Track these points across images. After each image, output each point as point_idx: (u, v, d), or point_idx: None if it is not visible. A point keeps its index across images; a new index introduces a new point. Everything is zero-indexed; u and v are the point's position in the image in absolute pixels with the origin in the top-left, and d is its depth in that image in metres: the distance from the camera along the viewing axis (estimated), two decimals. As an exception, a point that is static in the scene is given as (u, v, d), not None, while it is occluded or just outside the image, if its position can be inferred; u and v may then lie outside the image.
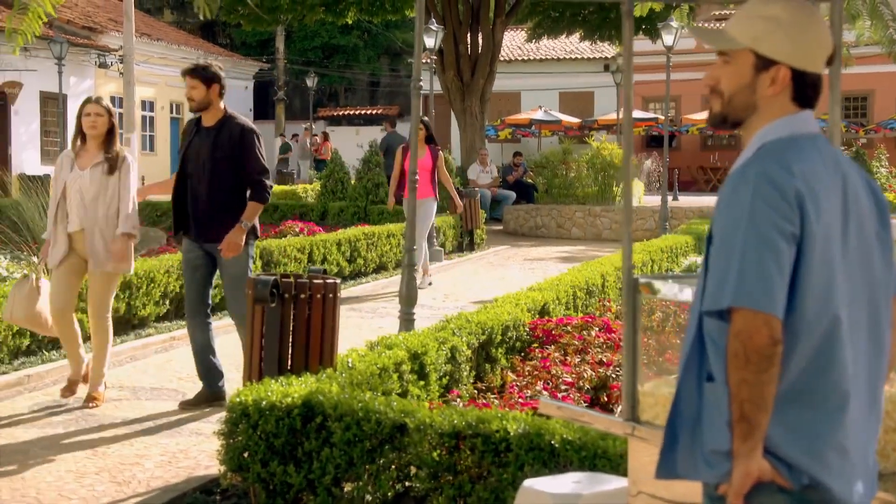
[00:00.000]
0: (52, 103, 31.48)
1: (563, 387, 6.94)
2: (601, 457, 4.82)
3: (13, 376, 8.69)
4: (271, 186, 8.13)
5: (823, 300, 2.62)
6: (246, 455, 5.50)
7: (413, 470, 5.29)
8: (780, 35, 2.78)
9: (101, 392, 8.10)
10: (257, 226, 8.08)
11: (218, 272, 8.10)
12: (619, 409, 7.05)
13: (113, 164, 8.03)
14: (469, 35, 26.71)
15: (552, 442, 4.94)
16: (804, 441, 2.61)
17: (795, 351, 2.61)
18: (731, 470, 2.61)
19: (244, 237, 7.84)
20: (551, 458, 4.94)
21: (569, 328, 8.28)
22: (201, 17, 5.85)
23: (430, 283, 15.01)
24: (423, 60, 42.26)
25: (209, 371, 8.03)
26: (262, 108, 49.54)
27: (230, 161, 7.91)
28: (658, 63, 37.60)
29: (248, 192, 7.98)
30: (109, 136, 8.10)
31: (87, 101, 8.24)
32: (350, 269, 15.26)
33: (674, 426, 2.79)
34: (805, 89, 2.80)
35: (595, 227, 24.10)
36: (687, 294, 3.74)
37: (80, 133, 8.16)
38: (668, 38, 20.21)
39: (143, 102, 37.42)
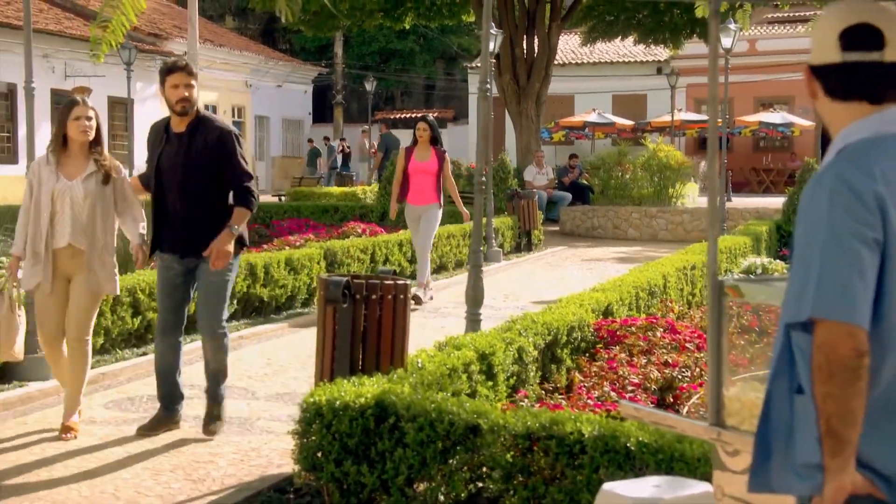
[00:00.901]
0: (119, 108, 31.69)
1: (629, 387, 6.81)
2: (678, 460, 4.70)
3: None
4: (258, 194, 7.28)
5: None
6: (320, 454, 5.43)
7: (486, 471, 5.20)
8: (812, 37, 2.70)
9: (76, 422, 7.17)
10: (245, 234, 7.22)
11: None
12: (686, 409, 6.94)
13: (108, 173, 7.12)
14: (525, 39, 26.57)
15: (627, 444, 4.83)
16: None
17: (886, 361, 2.47)
18: (823, 483, 2.48)
19: (232, 244, 7.00)
20: (627, 460, 4.83)
21: (633, 329, 8.15)
22: (283, 22, 5.64)
23: (430, 298, 13.53)
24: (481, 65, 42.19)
25: (172, 394, 7.29)
26: (321, 112, 49.66)
27: (209, 169, 6.98)
28: (705, 66, 37.29)
29: (233, 199, 7.09)
30: (97, 142, 7.15)
31: (74, 103, 7.13)
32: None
33: (766, 438, 2.66)
34: (830, 82, 2.67)
35: (651, 227, 23.90)
36: (774, 297, 3.61)
37: (62, 138, 7.11)
38: (726, 41, 19.95)
39: (207, 106, 37.11)
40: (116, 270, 7.26)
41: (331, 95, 49.66)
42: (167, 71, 7.01)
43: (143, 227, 7.29)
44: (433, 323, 11.65)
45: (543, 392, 7.07)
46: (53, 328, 7.15)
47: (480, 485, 5.23)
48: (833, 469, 2.44)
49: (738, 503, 3.67)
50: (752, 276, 11.86)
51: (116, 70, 28.91)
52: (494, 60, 24.53)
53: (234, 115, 40.82)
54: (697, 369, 7.31)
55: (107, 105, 31.69)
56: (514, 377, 6.86)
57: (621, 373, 7.08)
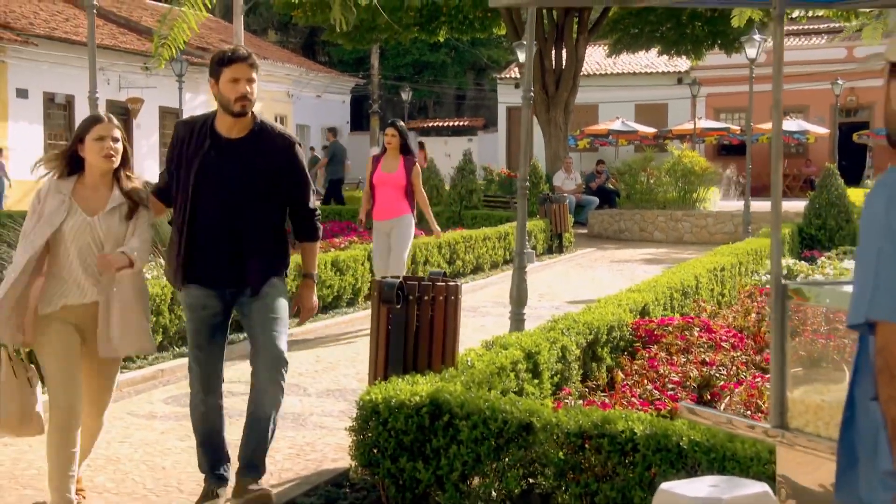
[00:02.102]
0: (169, 117, 31.80)
1: (670, 386, 6.66)
2: (730, 459, 4.55)
3: (148, 370, 8.61)
4: None
5: None
6: (376, 451, 5.33)
7: (538, 468, 5.08)
8: None
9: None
10: (285, 248, 5.54)
11: (238, 318, 5.54)
12: (723, 406, 6.78)
13: (135, 204, 5.22)
14: (554, 51, 26.41)
15: (680, 443, 4.68)
16: None
17: None
18: None
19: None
20: (678, 458, 4.68)
21: (670, 328, 8.00)
22: (338, 30, 5.10)
23: None
24: (509, 75, 41.83)
25: (221, 458, 5.55)
26: (357, 121, 49.70)
27: (271, 187, 5.30)
28: (728, 76, 37.34)
29: (296, 228, 5.56)
30: (124, 165, 5.28)
31: (96, 120, 5.24)
32: (450, 270, 15.07)
33: (851, 445, 2.49)
34: None
35: (676, 230, 23.69)
36: (839, 300, 3.45)
37: (76, 162, 5.20)
38: (751, 51, 19.73)
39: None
40: (149, 323, 5.39)
41: (367, 105, 49.66)
42: (226, 61, 5.20)
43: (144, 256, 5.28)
44: (473, 322, 11.51)
45: (586, 390, 6.93)
46: (75, 395, 5.17)
47: (533, 481, 5.11)
48: None
49: (799, 499, 3.52)
50: (816, 280, 11.66)
51: (167, 81, 29.09)
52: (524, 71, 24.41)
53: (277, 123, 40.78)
54: (734, 368, 7.16)
55: (158, 114, 31.91)
56: (558, 375, 6.74)
57: (661, 371, 6.93)
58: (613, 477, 4.83)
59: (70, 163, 5.23)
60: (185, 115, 31.27)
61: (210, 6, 5.66)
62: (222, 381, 5.53)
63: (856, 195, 20.20)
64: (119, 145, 5.21)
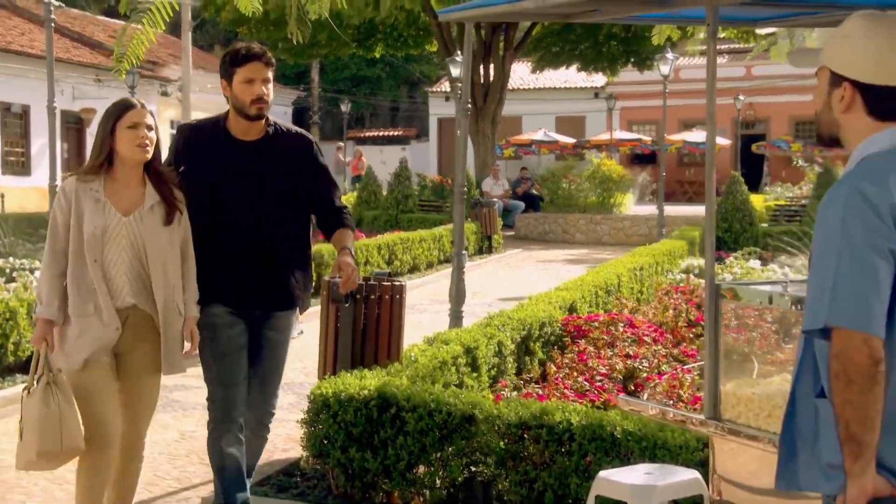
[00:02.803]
0: (120, 126, 31.40)
1: (598, 378, 6.62)
2: (661, 447, 4.51)
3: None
4: None
5: None
6: (326, 442, 5.22)
7: (480, 457, 5.01)
8: (849, 51, 2.40)
9: None
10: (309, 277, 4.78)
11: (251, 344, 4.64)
12: (646, 395, 6.75)
13: (174, 206, 4.31)
14: (482, 66, 26.38)
15: (613, 433, 4.64)
16: None
17: None
18: (846, 485, 2.27)
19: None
20: (612, 447, 4.64)
21: (596, 324, 7.97)
22: (294, 42, 4.86)
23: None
24: (440, 89, 41.73)
25: (237, 490, 4.68)
26: (299, 130, 49.37)
27: (294, 191, 4.54)
28: (640, 91, 37.64)
29: (327, 226, 4.70)
30: (156, 162, 4.34)
31: (127, 106, 4.29)
32: (388, 269, 14.96)
33: (792, 438, 2.44)
34: (880, 103, 2.39)
35: (596, 232, 23.83)
36: (762, 298, 3.42)
37: (107, 155, 4.26)
38: (664, 68, 19.86)
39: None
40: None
41: (308, 116, 49.35)
42: (239, 60, 4.38)
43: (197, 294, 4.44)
44: (411, 319, 11.29)
45: (521, 382, 6.88)
46: (112, 425, 4.29)
47: (475, 469, 5.04)
48: (854, 473, 2.24)
49: (733, 487, 3.49)
50: (744, 280, 11.72)
51: (119, 93, 28.61)
52: (459, 85, 24.40)
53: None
54: (655, 360, 7.15)
55: (110, 124, 31.48)
56: (495, 368, 6.67)
57: (590, 364, 6.90)
58: (551, 465, 4.78)
59: (106, 156, 4.28)
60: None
61: (168, 19, 5.47)
62: (244, 410, 4.63)
63: (756, 200, 20.45)
64: (153, 134, 4.29)
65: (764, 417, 3.29)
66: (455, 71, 21.43)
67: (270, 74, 4.47)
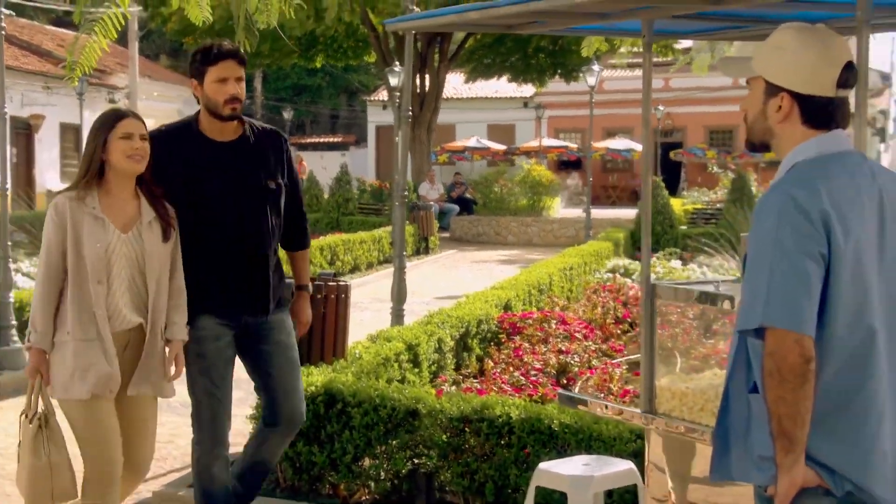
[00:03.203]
0: (69, 132, 30.88)
1: (533, 372, 6.60)
2: (596, 439, 4.49)
3: None
4: None
5: (856, 315, 2.26)
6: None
7: (423, 450, 4.95)
8: (785, 62, 2.38)
9: None
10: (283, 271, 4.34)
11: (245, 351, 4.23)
12: (577, 388, 6.75)
13: (170, 224, 3.90)
14: (418, 77, 26.31)
15: (551, 426, 4.61)
16: (847, 449, 2.27)
17: (830, 364, 2.25)
18: (777, 474, 2.27)
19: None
20: (550, 439, 4.61)
21: (530, 321, 7.96)
22: (242, 51, 4.71)
23: None
24: (378, 98, 41.57)
25: None
26: (243, 137, 48.88)
27: (275, 191, 4.14)
28: (566, 101, 37.85)
29: (288, 234, 4.30)
30: (147, 174, 3.89)
31: (120, 115, 3.87)
32: (332, 270, 14.84)
33: (725, 432, 2.43)
34: (814, 112, 2.38)
35: (527, 234, 23.87)
36: (693, 298, 3.41)
37: (98, 166, 3.80)
38: (591, 80, 19.97)
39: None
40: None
41: (251, 122, 48.89)
42: (212, 58, 3.97)
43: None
44: (353, 317, 11.20)
45: (460, 377, 6.83)
46: (116, 455, 3.84)
47: (418, 462, 4.99)
48: (785, 465, 2.23)
49: (666, 475, 3.48)
50: (675, 282, 11.80)
51: (67, 100, 28.25)
52: (397, 93, 24.32)
53: (169, 139, 39.83)
54: (586, 355, 7.15)
55: (59, 130, 30.92)
56: (435, 364, 6.62)
57: (525, 359, 6.88)
58: (491, 457, 4.74)
59: (98, 169, 3.82)
60: (85, 131, 30.70)
61: (120, 28, 5.34)
62: (229, 428, 4.25)
63: (675, 204, 20.65)
64: (147, 145, 3.84)
65: (697, 411, 3.28)
66: (393, 80, 21.34)
67: (243, 73, 4.07)
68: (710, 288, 3.34)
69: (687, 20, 3.40)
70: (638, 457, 4.26)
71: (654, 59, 29.90)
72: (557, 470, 3.86)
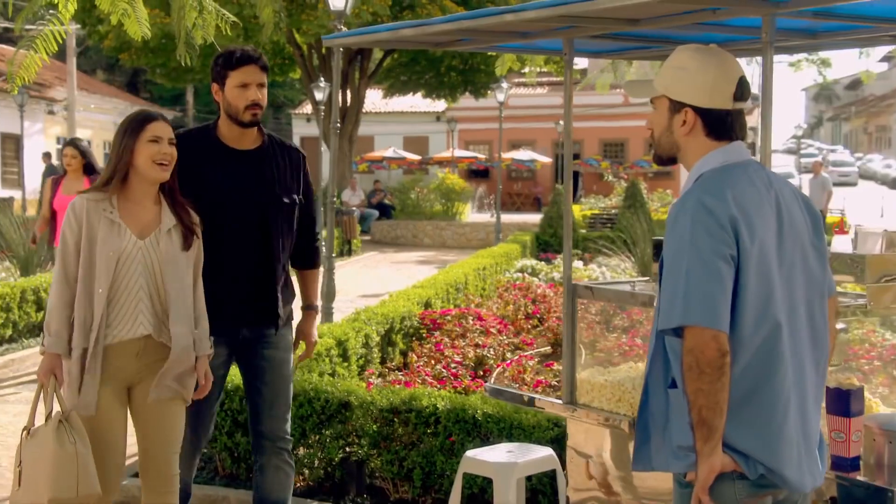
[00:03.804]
0: (9, 142, 29.98)
1: (453, 365, 6.54)
2: (517, 428, 4.44)
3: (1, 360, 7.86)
4: None
5: (763, 310, 2.26)
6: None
7: (355, 439, 4.84)
8: (686, 80, 2.38)
9: None
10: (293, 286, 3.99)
11: (240, 373, 3.94)
12: (493, 377, 6.70)
13: (192, 231, 3.46)
14: (340, 92, 26.10)
15: (475, 415, 4.55)
16: (758, 435, 2.25)
17: (741, 357, 2.24)
18: (696, 461, 2.24)
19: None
20: (474, 428, 4.55)
21: (449, 318, 7.89)
22: (183, 64, 4.44)
23: None
24: (302, 111, 41.13)
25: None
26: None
27: (292, 205, 3.77)
28: (475, 116, 37.98)
29: (300, 252, 3.90)
30: (171, 180, 3.46)
31: (148, 116, 3.44)
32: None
33: (646, 425, 2.41)
34: (715, 124, 2.38)
35: (441, 237, 23.87)
36: (616, 298, 3.38)
37: (124, 170, 3.39)
38: (500, 96, 20.05)
39: (87, 142, 35.84)
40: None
41: (183, 134, 48.10)
42: (234, 63, 3.61)
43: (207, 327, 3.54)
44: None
45: (386, 370, 6.73)
46: (121, 465, 3.49)
47: (350, 450, 4.88)
48: (705, 453, 2.21)
49: (586, 461, 3.43)
50: (598, 281, 11.81)
51: (7, 112, 27.37)
52: (322, 107, 24.11)
53: (105, 148, 38.94)
54: (501, 349, 7.12)
55: (0, 139, 29.97)
56: (363, 358, 6.50)
57: (446, 353, 6.80)
58: (419, 445, 4.66)
59: (124, 174, 3.39)
60: (25, 141, 29.83)
61: (61, 42, 5.12)
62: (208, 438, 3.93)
63: (575, 210, 20.84)
64: (174, 150, 3.43)
65: (615, 402, 3.24)
66: (319, 95, 21.14)
67: (265, 79, 3.71)
68: (626, 287, 3.30)
69: (604, 40, 3.36)
70: (556, 443, 4.23)
71: (552, 79, 30.04)
72: (483, 457, 3.80)
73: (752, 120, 24.75)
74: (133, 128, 3.39)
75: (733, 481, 2.24)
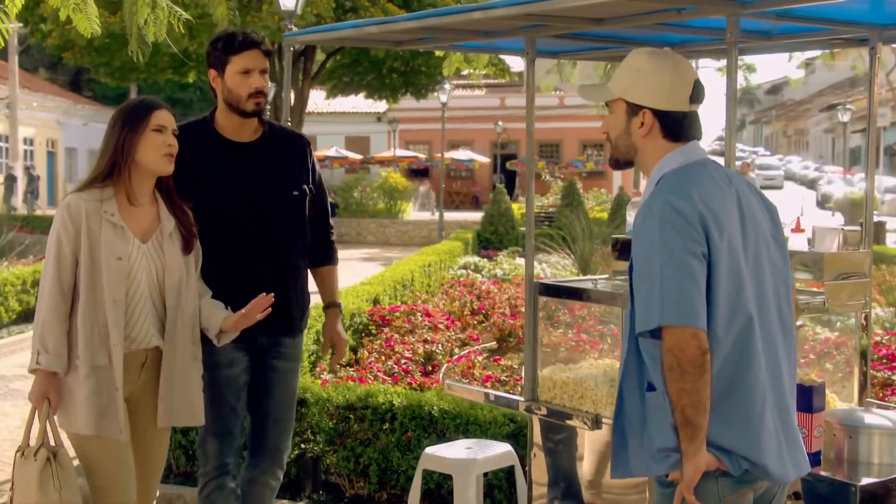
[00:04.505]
0: (-50, 138, 29.08)
1: (403, 360, 6.43)
2: (473, 423, 4.35)
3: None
4: None
5: (735, 304, 2.20)
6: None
7: (311, 436, 4.71)
8: (643, 83, 2.33)
9: None
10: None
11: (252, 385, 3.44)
12: (441, 372, 6.62)
13: (191, 232, 3.08)
14: (285, 92, 25.78)
15: (431, 412, 4.45)
16: (738, 430, 2.19)
17: (718, 353, 2.18)
18: (679, 461, 2.17)
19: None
20: (430, 424, 4.45)
21: (398, 314, 7.78)
22: (135, 60, 4.22)
23: None
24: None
25: None
26: (119, 145, 47.20)
27: (300, 198, 3.37)
28: (416, 116, 37.87)
29: (315, 250, 3.48)
30: (168, 180, 3.09)
31: (152, 104, 3.04)
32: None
33: (622, 431, 2.32)
34: (673, 126, 2.33)
35: (385, 235, 23.75)
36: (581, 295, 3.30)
37: (125, 163, 2.97)
38: (443, 97, 19.97)
39: (25, 139, 34.90)
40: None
41: (127, 132, 47.13)
42: (235, 47, 3.23)
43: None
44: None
45: (337, 367, 6.58)
46: (128, 497, 3.03)
47: (305, 447, 4.74)
48: (690, 452, 2.15)
49: (545, 454, 3.36)
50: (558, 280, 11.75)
51: (-51, 108, 26.50)
52: (269, 108, 23.85)
53: (48, 146, 37.99)
54: (449, 345, 7.04)
55: (-59, 136, 29.12)
56: (314, 355, 6.35)
57: (397, 349, 6.69)
58: (375, 441, 4.55)
59: (127, 167, 2.97)
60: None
61: (6, 37, 4.86)
62: (241, 460, 3.53)
63: (514, 208, 20.86)
64: (177, 142, 3.03)
65: (577, 398, 3.17)
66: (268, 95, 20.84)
67: (268, 65, 3.31)
68: (589, 285, 3.23)
69: (564, 40, 3.29)
70: (512, 439, 4.15)
71: (490, 81, 30.01)
72: (443, 454, 3.71)
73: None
74: (134, 118, 2.97)
75: (716, 479, 2.18)
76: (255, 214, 3.24)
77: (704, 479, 2.16)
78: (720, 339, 2.18)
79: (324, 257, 3.51)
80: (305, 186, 3.36)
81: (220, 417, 3.31)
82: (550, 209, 21.71)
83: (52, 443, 2.89)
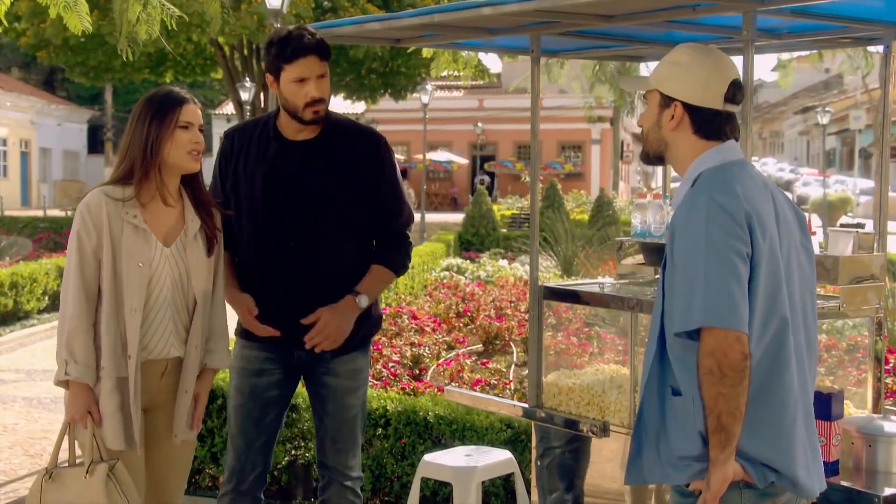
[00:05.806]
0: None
1: (391, 364, 6.33)
2: (469, 429, 4.26)
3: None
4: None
5: (771, 307, 2.12)
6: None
7: (301, 442, 4.61)
8: (678, 75, 2.25)
9: None
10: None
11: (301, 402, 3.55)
12: (429, 375, 6.52)
13: (213, 234, 2.90)
14: (262, 93, 25.63)
15: (426, 417, 4.35)
16: (769, 438, 2.10)
17: (752, 357, 2.09)
18: (701, 470, 2.08)
19: (351, 323, 3.05)
20: (425, 430, 4.36)
21: (384, 316, 7.67)
22: (124, 59, 4.09)
23: None
24: (223, 112, 40.42)
25: None
26: (94, 145, 46.88)
27: (358, 199, 3.08)
28: (394, 117, 37.75)
29: (379, 251, 3.17)
30: (195, 178, 2.91)
31: (179, 99, 2.82)
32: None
33: (639, 437, 2.23)
34: (704, 123, 2.25)
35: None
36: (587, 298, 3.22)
37: (149, 164, 2.77)
38: (424, 98, 19.89)
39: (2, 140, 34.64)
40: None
41: (102, 132, 46.72)
42: (288, 55, 2.97)
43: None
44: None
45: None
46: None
47: (296, 453, 4.63)
48: (720, 460, 2.05)
49: (554, 464, 3.28)
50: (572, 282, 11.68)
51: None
52: (247, 107, 23.65)
53: (21, 147, 37.55)
54: (436, 347, 6.95)
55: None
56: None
57: (385, 352, 6.59)
58: (368, 448, 4.44)
59: (152, 165, 2.78)
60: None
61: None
62: (266, 480, 3.25)
63: (493, 209, 20.80)
64: (202, 139, 2.85)
65: (584, 405, 3.09)
66: (244, 95, 20.71)
67: (327, 68, 3.05)
68: (595, 288, 3.15)
69: (570, 38, 3.21)
70: (509, 445, 4.06)
71: (469, 82, 29.89)
72: (442, 461, 3.62)
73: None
74: (161, 113, 2.75)
75: (740, 490, 2.10)
76: (289, 216, 3.01)
77: (727, 489, 2.08)
78: (755, 342, 2.10)
79: (384, 259, 3.15)
80: (360, 189, 3.05)
81: (239, 428, 3.13)
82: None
83: (102, 457, 2.72)
